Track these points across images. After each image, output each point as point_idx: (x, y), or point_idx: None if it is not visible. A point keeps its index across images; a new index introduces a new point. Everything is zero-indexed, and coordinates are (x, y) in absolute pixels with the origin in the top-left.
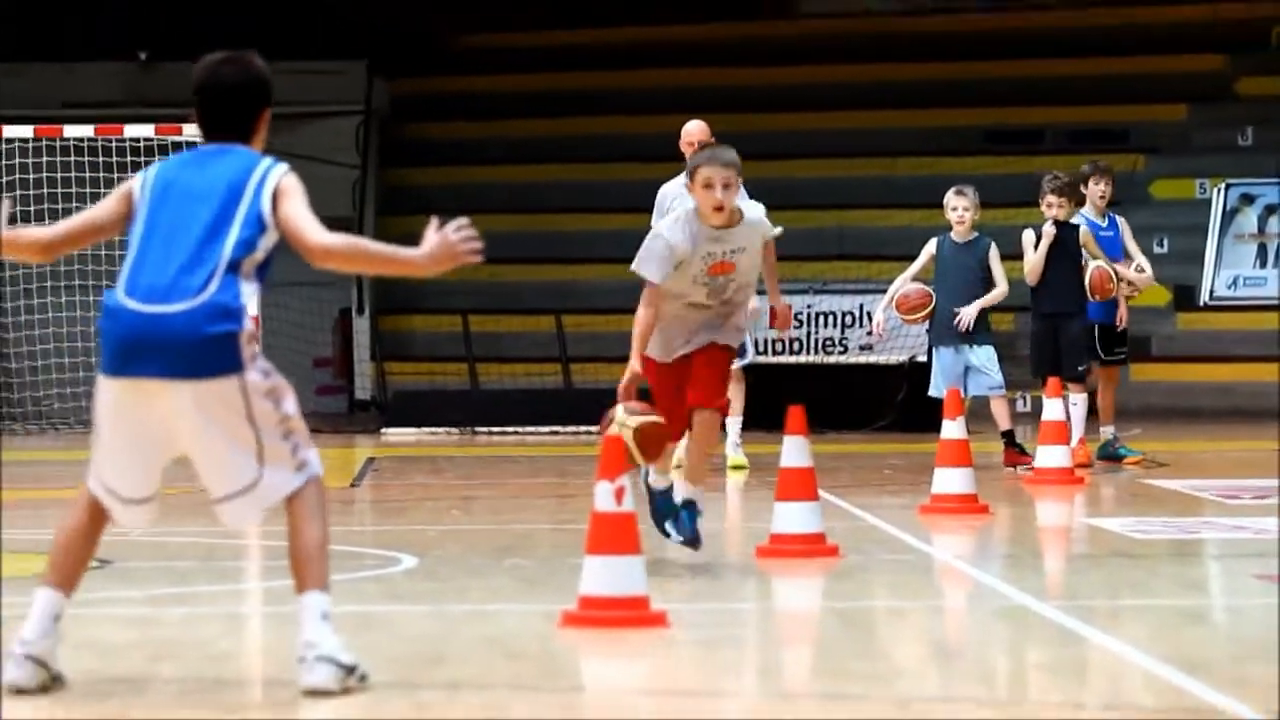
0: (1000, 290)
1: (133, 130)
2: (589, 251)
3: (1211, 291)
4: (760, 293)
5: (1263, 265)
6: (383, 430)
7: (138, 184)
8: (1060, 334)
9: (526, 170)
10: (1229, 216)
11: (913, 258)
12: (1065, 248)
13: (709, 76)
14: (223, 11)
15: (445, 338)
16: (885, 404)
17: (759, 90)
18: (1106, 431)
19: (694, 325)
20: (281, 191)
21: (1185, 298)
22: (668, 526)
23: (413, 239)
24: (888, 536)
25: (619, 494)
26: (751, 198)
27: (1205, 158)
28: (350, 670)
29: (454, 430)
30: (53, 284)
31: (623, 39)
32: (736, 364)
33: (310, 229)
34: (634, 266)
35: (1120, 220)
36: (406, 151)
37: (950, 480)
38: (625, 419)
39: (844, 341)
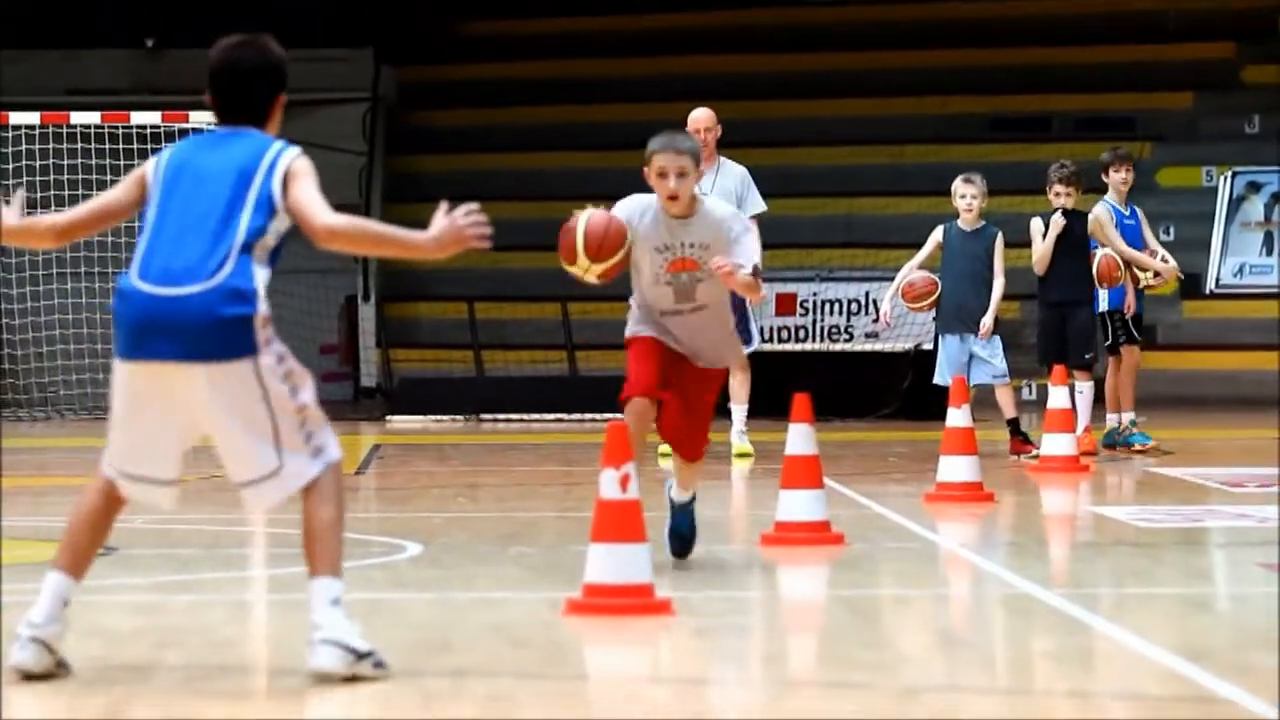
0: (999, 284)
1: (139, 117)
2: None
3: (1218, 279)
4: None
5: (1269, 253)
6: (388, 417)
7: (151, 167)
8: (1068, 322)
9: (533, 157)
10: (1235, 204)
11: (920, 245)
12: (1073, 237)
13: (716, 64)
14: None
15: (451, 325)
16: (891, 391)
17: (766, 77)
18: (1120, 418)
19: (676, 334)
20: (292, 174)
21: (1191, 286)
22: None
23: (419, 225)
24: (893, 524)
25: (624, 481)
26: (758, 186)
27: (1212, 146)
28: (362, 656)
29: (459, 417)
30: (58, 270)
31: (630, 26)
32: (743, 351)
33: (317, 209)
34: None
35: (1139, 210)
36: (413, 138)
37: (955, 468)
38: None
39: (850, 329)
